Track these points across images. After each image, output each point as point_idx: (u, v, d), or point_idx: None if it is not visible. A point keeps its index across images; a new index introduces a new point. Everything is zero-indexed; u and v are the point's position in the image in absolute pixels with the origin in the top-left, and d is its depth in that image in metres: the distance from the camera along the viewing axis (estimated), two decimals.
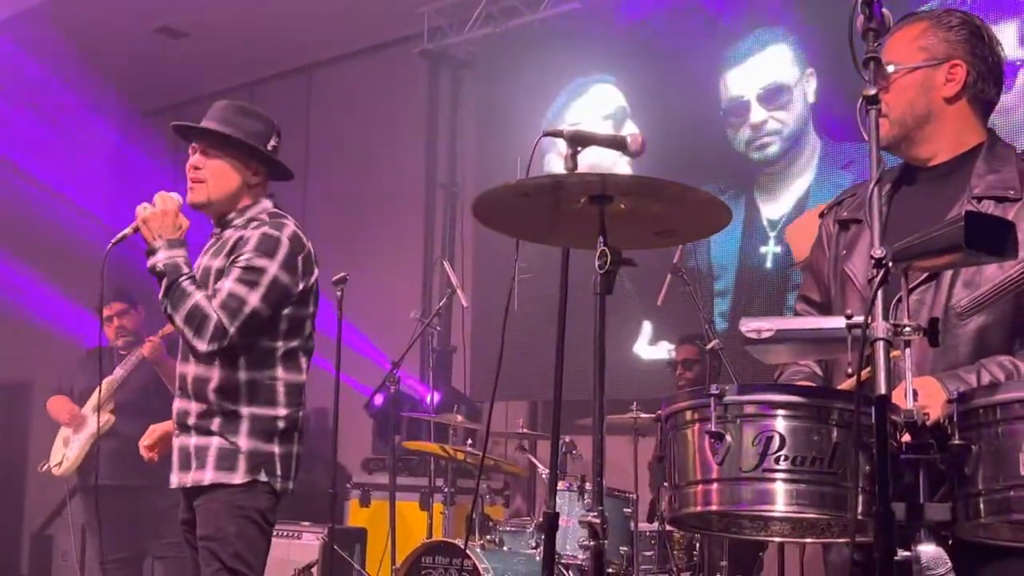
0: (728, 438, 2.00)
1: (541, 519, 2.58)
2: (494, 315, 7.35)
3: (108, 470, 6.04)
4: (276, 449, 3.42)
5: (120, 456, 5.89)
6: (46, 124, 8.99)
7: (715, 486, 2.03)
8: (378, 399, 6.91)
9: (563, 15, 7.58)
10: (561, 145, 2.44)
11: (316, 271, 3.56)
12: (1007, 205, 2.36)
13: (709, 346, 5.30)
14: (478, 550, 5.11)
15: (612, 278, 2.27)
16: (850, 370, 1.89)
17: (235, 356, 3.40)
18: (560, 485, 5.25)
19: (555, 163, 6.88)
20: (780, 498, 1.98)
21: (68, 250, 8.39)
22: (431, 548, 5.35)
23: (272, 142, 3.61)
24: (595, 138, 2.49)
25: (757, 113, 6.77)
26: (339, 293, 5.28)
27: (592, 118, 7.49)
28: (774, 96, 6.73)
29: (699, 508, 2.07)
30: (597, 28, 7.47)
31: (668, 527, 5.26)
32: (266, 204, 3.61)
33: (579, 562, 5.02)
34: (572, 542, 5.08)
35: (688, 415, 2.11)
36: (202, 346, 3.32)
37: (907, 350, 1.96)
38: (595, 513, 2.23)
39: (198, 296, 3.35)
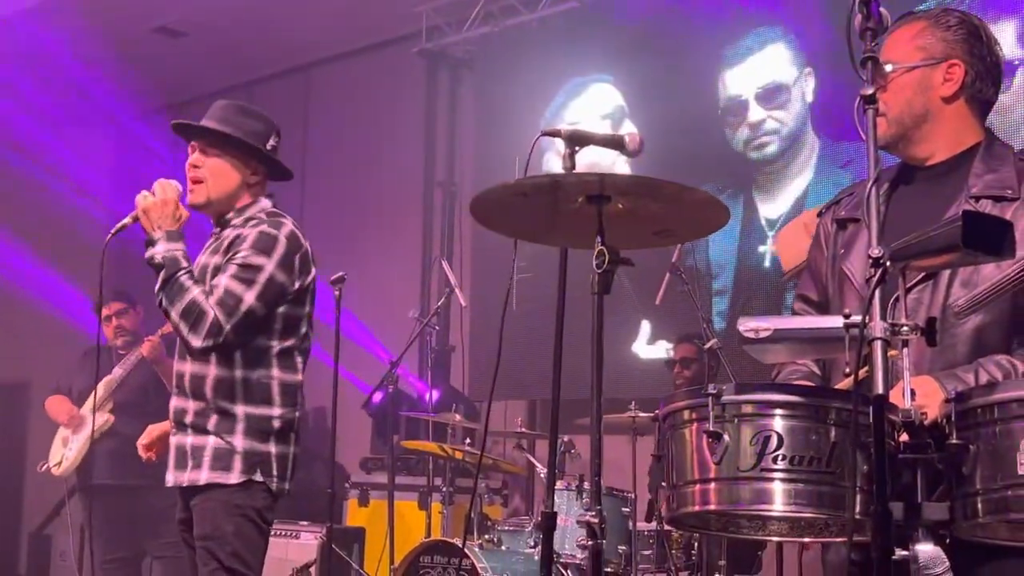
0: (726, 438, 2.00)
1: (539, 518, 2.58)
2: (493, 314, 7.35)
3: (107, 470, 6.05)
4: (272, 449, 3.42)
5: (119, 456, 5.90)
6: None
7: (713, 486, 2.03)
8: (377, 398, 6.91)
9: (561, 14, 7.58)
10: (559, 144, 2.44)
11: (313, 270, 3.56)
12: (1005, 204, 2.36)
13: (707, 345, 5.30)
14: (476, 549, 5.11)
15: (610, 278, 2.28)
16: (848, 370, 1.89)
17: (230, 354, 3.40)
18: (558, 484, 5.25)
19: (554, 162, 6.88)
20: (778, 497, 1.98)
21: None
22: (429, 547, 5.35)
23: (271, 142, 3.61)
24: (593, 138, 2.49)
25: (755, 112, 6.77)
26: (337, 292, 5.28)
27: (590, 117, 7.49)
28: (772, 95, 6.73)
29: (697, 508, 2.07)
30: (595, 27, 7.47)
31: (666, 526, 5.26)
32: (265, 204, 3.61)
33: (577, 561, 5.02)
34: (570, 541, 5.08)
35: (686, 415, 2.11)
36: (197, 342, 3.32)
37: (905, 349, 1.96)
38: (593, 513, 2.23)
39: (195, 292, 3.35)
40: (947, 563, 1.91)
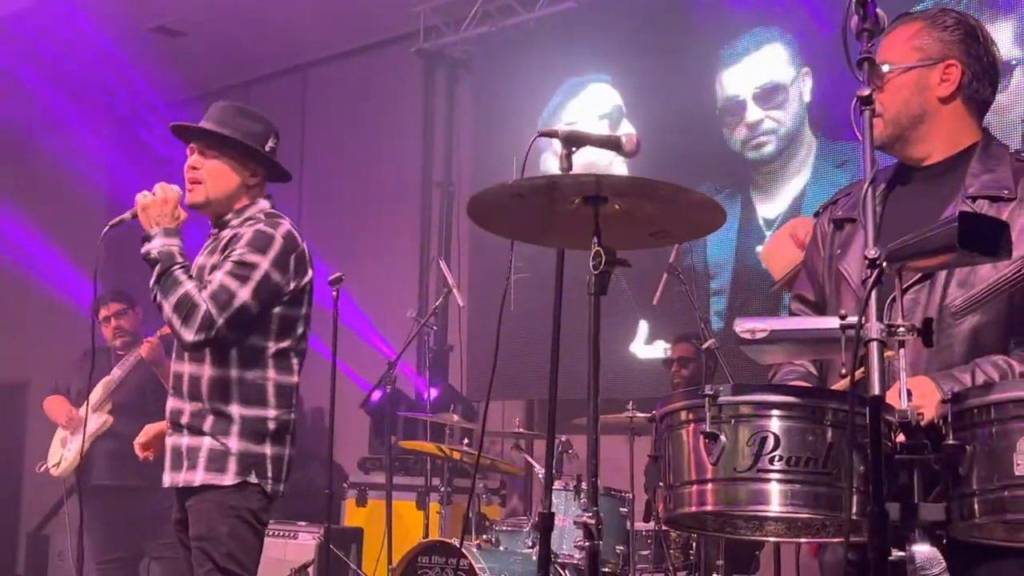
0: (723, 438, 2.00)
1: (537, 519, 2.58)
2: (490, 314, 7.32)
3: (106, 470, 6.04)
4: (267, 451, 3.42)
5: (118, 457, 5.90)
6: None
7: (710, 486, 2.03)
8: (375, 397, 6.91)
9: (559, 14, 7.58)
10: (557, 144, 2.44)
11: (310, 272, 3.56)
12: (1001, 205, 2.36)
13: (705, 345, 5.30)
14: (474, 550, 5.11)
15: (607, 278, 2.28)
16: (844, 370, 1.89)
17: (225, 353, 3.40)
18: (556, 484, 5.25)
19: (551, 162, 6.88)
20: (775, 498, 1.98)
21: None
22: (427, 548, 5.35)
23: (270, 143, 3.61)
24: (590, 138, 2.49)
25: (753, 112, 6.78)
26: (335, 293, 5.28)
27: (588, 117, 7.49)
28: (770, 95, 6.73)
29: (694, 508, 2.07)
30: (593, 27, 7.47)
31: (664, 527, 5.26)
32: (263, 204, 3.61)
33: (575, 561, 5.02)
34: (568, 541, 5.08)
35: (683, 415, 2.11)
36: (189, 335, 3.32)
37: (901, 350, 1.96)
38: (590, 514, 2.24)
39: (189, 286, 3.35)
40: (943, 564, 1.91)
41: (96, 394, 6.01)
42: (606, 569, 5.14)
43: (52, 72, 8.71)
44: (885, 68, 2.42)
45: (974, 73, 2.47)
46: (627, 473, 5.56)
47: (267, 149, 3.60)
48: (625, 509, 5.30)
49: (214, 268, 3.44)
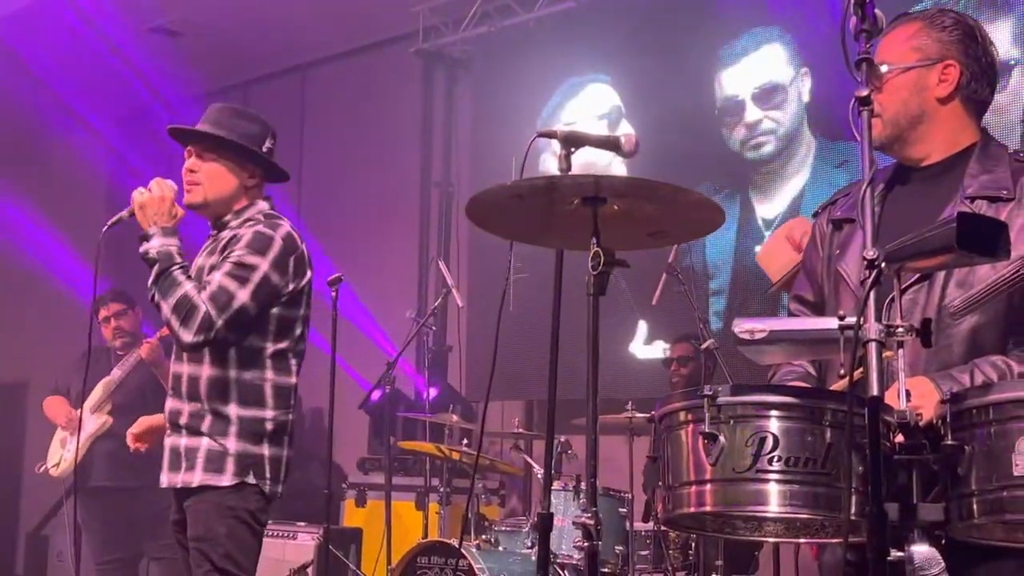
0: (721, 439, 2.00)
1: (536, 519, 2.58)
2: (490, 315, 7.34)
3: (105, 471, 6.04)
4: (265, 452, 3.42)
5: (117, 457, 5.90)
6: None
7: (709, 487, 2.03)
8: (374, 397, 6.91)
9: (558, 14, 7.58)
10: (556, 144, 2.44)
11: (309, 273, 3.56)
12: (1000, 205, 2.36)
13: (704, 346, 5.30)
14: (474, 550, 5.11)
15: (605, 279, 2.28)
16: (843, 371, 1.90)
17: (224, 354, 3.40)
18: (555, 485, 5.25)
19: (550, 162, 6.87)
20: (774, 499, 1.98)
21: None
22: (427, 548, 5.35)
23: (267, 144, 3.61)
24: (588, 139, 2.49)
25: (752, 112, 6.78)
26: (334, 293, 5.27)
27: (587, 118, 7.49)
28: (769, 95, 6.73)
29: (693, 509, 2.07)
30: (592, 28, 7.47)
31: (663, 527, 5.26)
32: (262, 206, 3.61)
33: (575, 562, 5.03)
34: (567, 542, 5.08)
35: (682, 416, 2.11)
36: (187, 336, 3.32)
37: (900, 351, 1.96)
38: (588, 514, 2.24)
39: (188, 286, 3.35)
40: (942, 564, 1.91)
41: (96, 395, 6.01)
42: (605, 569, 5.14)
43: (52, 71, 8.71)
44: (884, 68, 2.42)
45: (972, 73, 2.47)
46: (626, 473, 5.57)
47: (264, 150, 3.60)
48: (624, 509, 5.30)
49: (213, 269, 3.44)
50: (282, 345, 3.48)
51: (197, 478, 3.37)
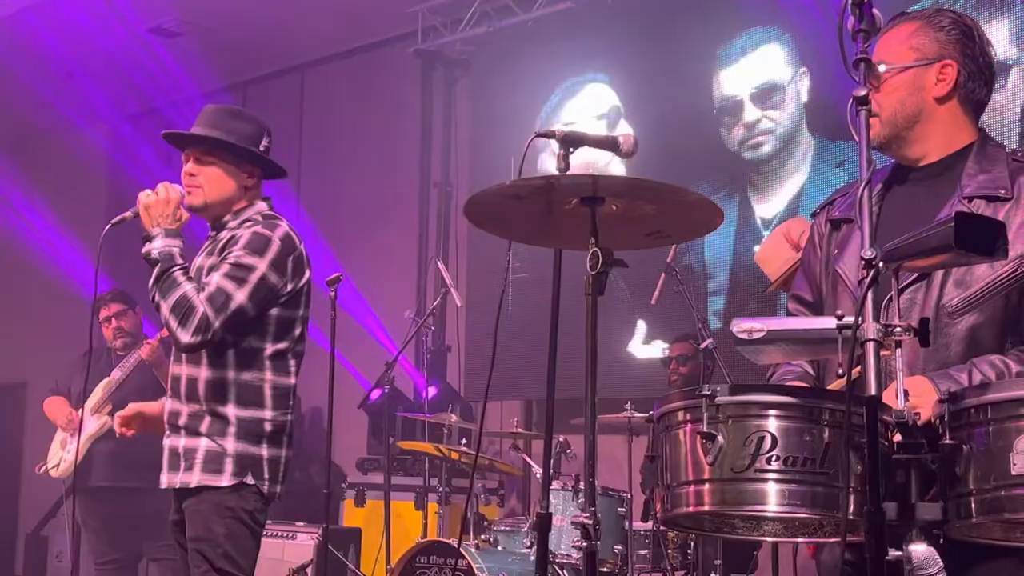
0: (720, 438, 2.00)
1: (535, 519, 2.58)
2: (488, 314, 7.34)
3: (105, 472, 6.04)
4: (264, 452, 3.42)
5: (117, 458, 5.91)
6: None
7: (707, 487, 2.03)
8: (373, 397, 6.91)
9: (557, 14, 7.58)
10: (555, 144, 2.45)
11: (308, 273, 3.56)
12: (998, 205, 2.36)
13: (703, 345, 5.31)
14: (473, 550, 5.11)
15: (604, 279, 2.28)
16: (841, 371, 1.90)
17: (223, 355, 3.40)
18: (554, 484, 5.26)
19: (549, 162, 6.85)
20: (772, 498, 1.98)
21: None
22: (426, 548, 5.36)
23: (264, 142, 3.62)
24: (587, 139, 2.49)
25: (750, 112, 6.78)
26: (332, 293, 5.27)
27: (586, 118, 7.50)
28: (767, 95, 6.74)
29: (691, 509, 2.07)
30: (591, 28, 7.47)
31: (662, 527, 5.27)
32: (261, 206, 3.62)
33: (573, 561, 5.03)
34: (566, 541, 5.09)
35: (680, 415, 2.11)
36: (185, 337, 3.33)
37: (898, 350, 1.96)
38: (588, 514, 2.24)
39: (187, 287, 3.36)
40: (940, 563, 1.91)
41: (96, 395, 6.01)
42: (604, 569, 5.15)
43: (54, 71, 8.71)
44: (881, 68, 2.42)
45: (970, 73, 2.47)
46: (625, 473, 5.57)
47: (261, 148, 3.60)
48: (623, 509, 5.30)
49: (212, 269, 3.44)
50: (281, 346, 3.48)
51: (196, 479, 3.37)
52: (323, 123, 9.09)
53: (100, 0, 7.84)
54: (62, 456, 6.19)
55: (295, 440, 3.58)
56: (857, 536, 1.92)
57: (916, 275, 2.34)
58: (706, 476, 2.03)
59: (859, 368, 1.94)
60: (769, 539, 2.32)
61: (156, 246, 3.43)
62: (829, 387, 2.40)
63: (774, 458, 1.98)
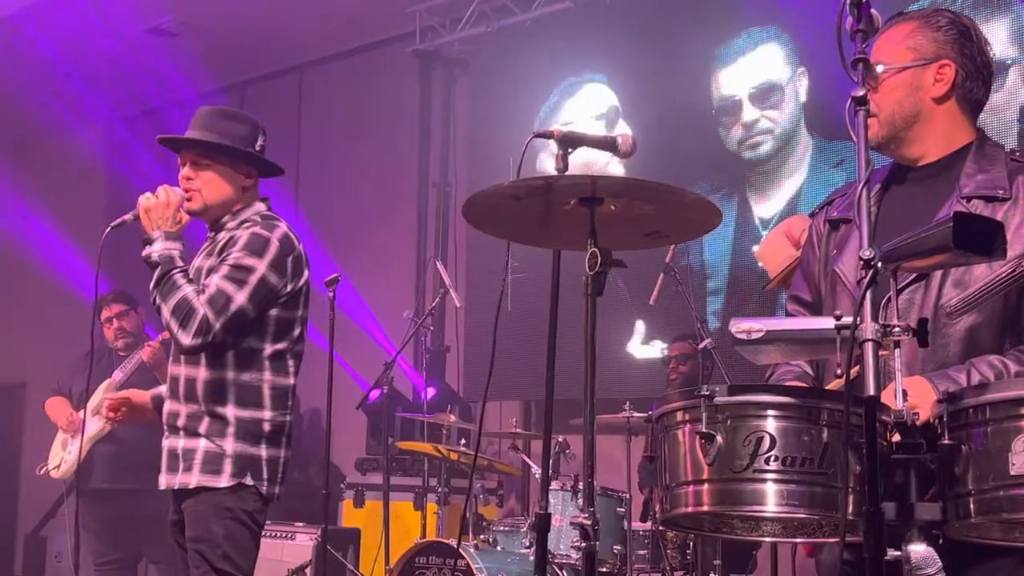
0: (719, 439, 2.00)
1: (534, 519, 2.59)
2: (487, 315, 7.34)
3: (105, 473, 6.04)
4: (263, 453, 3.42)
5: (117, 459, 5.91)
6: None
7: (706, 487, 2.03)
8: (372, 397, 6.92)
9: (555, 14, 7.59)
10: (554, 144, 2.45)
11: (306, 273, 3.56)
12: (996, 205, 2.36)
13: (701, 345, 5.31)
14: (472, 550, 5.11)
15: (602, 279, 2.28)
16: (839, 371, 1.89)
17: (222, 355, 3.40)
18: (553, 485, 5.26)
19: (548, 162, 6.88)
20: (771, 498, 1.98)
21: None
22: (425, 548, 5.36)
23: (260, 142, 3.62)
24: (585, 139, 2.49)
25: (749, 112, 6.79)
26: (331, 293, 5.27)
27: (584, 118, 7.50)
28: (766, 95, 6.74)
29: (690, 509, 2.07)
30: (589, 27, 7.47)
31: (661, 527, 5.27)
32: (259, 207, 3.62)
33: (573, 562, 5.03)
34: (565, 541, 5.09)
35: (679, 416, 2.11)
36: (186, 339, 3.33)
37: (897, 350, 1.96)
38: (586, 514, 2.24)
39: (188, 290, 3.36)
40: (939, 563, 1.91)
41: (97, 397, 6.00)
42: (603, 569, 5.15)
43: (52, 71, 8.71)
44: (879, 68, 2.42)
45: (968, 73, 2.47)
46: (624, 473, 5.57)
47: (257, 148, 3.60)
48: (622, 509, 5.30)
49: (211, 271, 3.44)
50: (280, 346, 3.48)
51: (194, 479, 3.37)
52: (321, 123, 9.09)
53: (98, 1, 7.84)
54: (63, 457, 6.19)
55: (294, 440, 3.57)
56: (856, 536, 1.92)
57: (915, 275, 2.34)
58: (705, 476, 2.03)
59: (858, 368, 1.94)
60: (768, 539, 2.32)
61: (156, 249, 3.43)
62: (828, 387, 2.40)
63: (773, 458, 1.98)
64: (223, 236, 3.53)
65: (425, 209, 8.59)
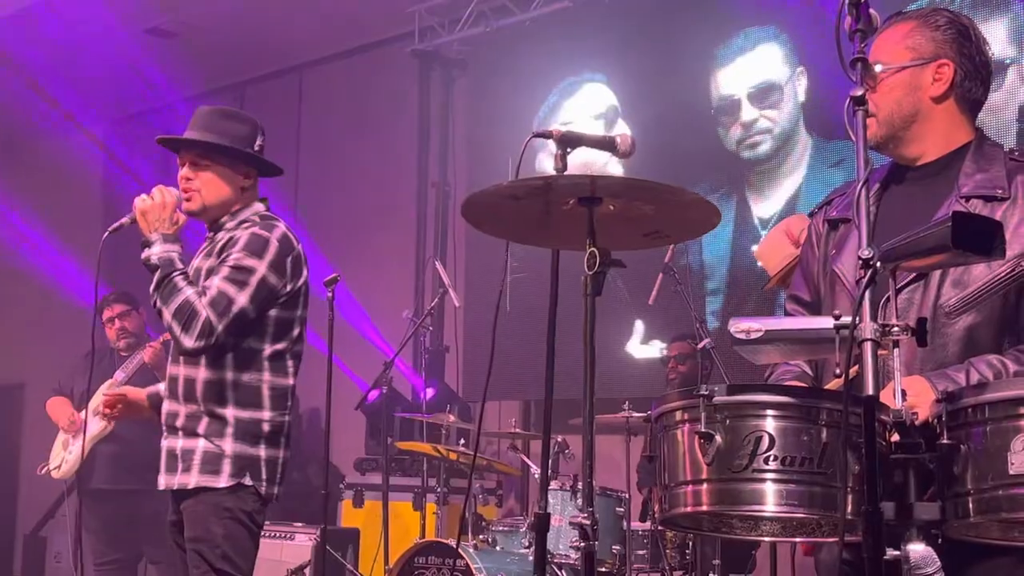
0: (718, 438, 2.00)
1: (533, 519, 2.59)
2: (487, 315, 7.33)
3: (105, 473, 6.04)
4: (262, 453, 3.42)
5: (118, 460, 5.91)
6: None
7: (705, 487, 2.03)
8: (371, 397, 6.92)
9: (554, 14, 7.58)
10: (552, 145, 2.45)
11: (306, 273, 3.56)
12: (995, 204, 2.36)
13: (701, 345, 5.31)
14: (471, 550, 5.11)
15: (601, 279, 2.28)
16: (838, 370, 1.89)
17: (222, 356, 3.41)
18: (552, 485, 5.26)
19: (547, 162, 6.88)
20: (770, 498, 1.98)
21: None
22: (424, 548, 5.36)
23: (258, 142, 3.61)
24: (584, 139, 2.49)
25: (748, 112, 6.79)
26: (330, 294, 5.27)
27: (583, 117, 7.50)
28: (765, 95, 6.74)
29: (689, 509, 2.07)
30: (588, 27, 7.47)
31: (660, 527, 5.27)
32: (258, 207, 3.62)
33: (572, 561, 5.03)
34: (565, 541, 5.09)
35: (678, 415, 2.11)
36: (189, 342, 3.33)
37: (896, 350, 1.96)
38: (585, 514, 2.24)
39: (189, 292, 3.36)
40: (938, 563, 1.91)
41: (98, 397, 6.00)
42: (602, 569, 5.15)
43: (48, 72, 8.72)
44: (878, 68, 2.42)
45: (966, 72, 2.47)
46: (623, 473, 5.57)
47: (256, 148, 3.60)
48: (621, 509, 5.30)
49: (210, 272, 3.44)
50: (279, 346, 3.48)
51: (194, 480, 3.37)
52: (321, 123, 9.09)
53: (96, 1, 7.83)
54: (64, 457, 6.19)
55: (293, 441, 3.58)
56: (855, 536, 1.92)
57: (914, 275, 2.34)
58: (704, 476, 2.03)
59: (857, 368, 1.94)
60: (767, 539, 2.32)
61: (155, 251, 3.43)
62: (827, 387, 2.40)
63: (772, 458, 1.98)
64: (222, 236, 3.53)
65: (424, 209, 8.59)
